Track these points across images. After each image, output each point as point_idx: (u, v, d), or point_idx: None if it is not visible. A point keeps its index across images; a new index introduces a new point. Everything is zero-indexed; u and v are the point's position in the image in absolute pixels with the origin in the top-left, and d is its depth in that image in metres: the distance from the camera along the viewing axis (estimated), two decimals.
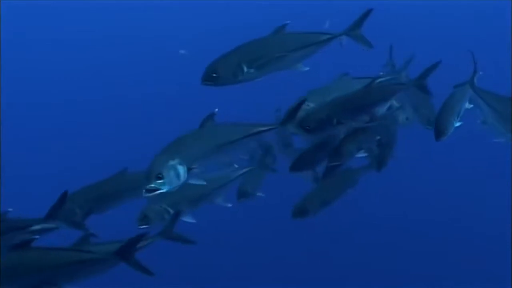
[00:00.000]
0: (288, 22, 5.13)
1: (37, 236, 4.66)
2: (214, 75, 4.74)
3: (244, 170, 6.09)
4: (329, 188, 5.98)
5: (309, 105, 5.37)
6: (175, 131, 4.90)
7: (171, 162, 4.55)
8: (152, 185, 4.52)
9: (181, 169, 4.55)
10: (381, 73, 6.06)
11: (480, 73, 6.12)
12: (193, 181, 4.75)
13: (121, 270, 4.80)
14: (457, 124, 5.79)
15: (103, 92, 13.85)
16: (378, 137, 5.91)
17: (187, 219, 5.53)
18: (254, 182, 6.36)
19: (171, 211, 5.34)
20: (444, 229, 10.03)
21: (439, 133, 5.62)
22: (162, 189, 4.56)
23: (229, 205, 5.96)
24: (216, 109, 4.98)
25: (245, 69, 4.76)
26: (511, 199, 9.14)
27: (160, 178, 4.50)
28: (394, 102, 5.99)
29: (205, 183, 4.93)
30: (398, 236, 9.89)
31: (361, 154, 5.79)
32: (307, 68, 5.23)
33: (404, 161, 6.28)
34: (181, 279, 8.89)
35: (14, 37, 15.16)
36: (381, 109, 5.75)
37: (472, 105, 6.02)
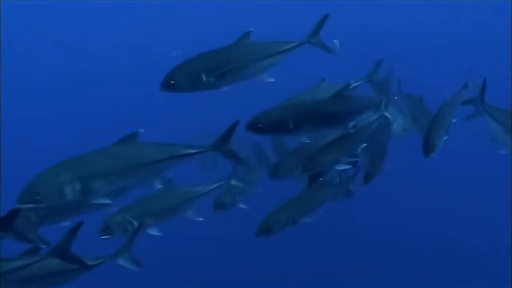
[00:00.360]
0: (251, 29, 4.98)
1: None
2: (172, 82, 4.66)
3: (217, 185, 5.87)
4: (297, 204, 5.64)
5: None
6: (169, 133, 4.80)
7: (55, 179, 4.30)
8: (26, 202, 4.27)
9: (67, 187, 4.29)
10: (352, 81, 5.82)
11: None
12: (95, 201, 4.51)
13: (118, 272, 4.77)
14: (444, 138, 5.67)
15: (102, 92, 13.86)
16: (367, 149, 5.71)
17: (153, 231, 5.33)
18: (234, 193, 6.18)
19: (135, 223, 5.15)
20: (445, 232, 10.03)
21: (428, 150, 5.52)
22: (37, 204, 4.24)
23: (200, 219, 5.71)
24: (142, 130, 4.77)
25: (204, 77, 4.67)
26: (511, 202, 9.14)
27: (37, 194, 4.23)
28: (387, 114, 5.84)
29: (109, 202, 4.68)
30: (399, 238, 9.90)
31: (342, 167, 5.57)
32: (273, 79, 5.06)
33: (404, 164, 6.21)
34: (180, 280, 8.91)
35: (14, 37, 15.16)
36: (347, 119, 5.49)
37: (455, 120, 5.87)
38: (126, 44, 15.38)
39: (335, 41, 6.26)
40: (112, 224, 5.13)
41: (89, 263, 4.68)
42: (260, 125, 4.83)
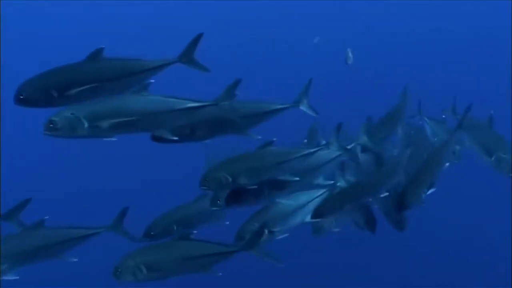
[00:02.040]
0: (103, 46, 4.66)
1: None
2: (21, 97, 4.50)
3: (98, 230, 5.41)
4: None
5: None
6: None
7: None
8: None
9: None
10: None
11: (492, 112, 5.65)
12: None
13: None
14: (431, 191, 5.22)
15: None
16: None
17: (9, 277, 4.87)
18: (171, 222, 5.83)
19: None
20: (445, 232, 10.04)
21: (402, 208, 5.10)
22: None
23: (75, 259, 5.26)
24: None
25: (55, 94, 4.47)
26: (511, 204, 9.15)
27: None
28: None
29: None
30: (398, 239, 9.88)
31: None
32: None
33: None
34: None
35: (14, 37, 15.17)
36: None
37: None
38: (128, 45, 15.36)
39: (348, 50, 6.07)
40: None
41: None
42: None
